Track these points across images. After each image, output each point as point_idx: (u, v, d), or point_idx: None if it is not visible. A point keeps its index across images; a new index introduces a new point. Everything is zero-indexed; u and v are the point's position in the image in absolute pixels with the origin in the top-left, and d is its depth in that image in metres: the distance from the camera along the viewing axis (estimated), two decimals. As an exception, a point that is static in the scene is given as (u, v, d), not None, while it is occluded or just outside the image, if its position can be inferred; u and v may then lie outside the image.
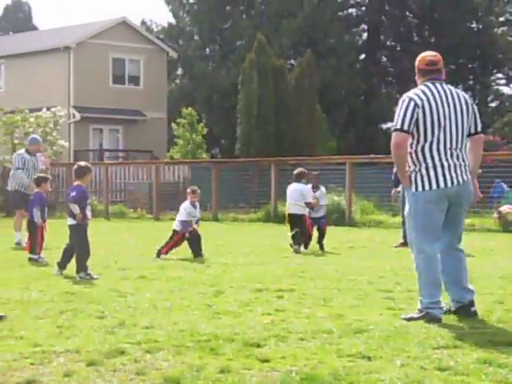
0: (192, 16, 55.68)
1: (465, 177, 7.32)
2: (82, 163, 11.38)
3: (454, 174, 7.26)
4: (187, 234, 13.19)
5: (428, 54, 7.64)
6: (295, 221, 14.44)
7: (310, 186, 14.89)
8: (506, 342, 6.21)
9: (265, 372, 5.25)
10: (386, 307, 7.97)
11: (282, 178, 25.77)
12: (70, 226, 10.91)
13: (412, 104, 7.26)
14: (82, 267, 10.49)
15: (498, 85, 63.55)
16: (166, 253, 13.03)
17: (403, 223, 16.10)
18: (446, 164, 7.25)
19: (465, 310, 7.36)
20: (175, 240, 13.24)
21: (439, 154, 7.25)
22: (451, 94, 7.42)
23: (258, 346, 6.02)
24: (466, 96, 7.57)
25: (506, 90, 64.07)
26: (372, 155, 28.92)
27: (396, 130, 7.31)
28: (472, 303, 7.40)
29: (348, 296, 8.73)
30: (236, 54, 51.22)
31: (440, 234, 7.43)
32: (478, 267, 11.50)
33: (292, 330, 6.61)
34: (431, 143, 7.25)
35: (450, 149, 7.28)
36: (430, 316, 7.11)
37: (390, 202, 21.82)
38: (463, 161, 7.35)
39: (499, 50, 56.75)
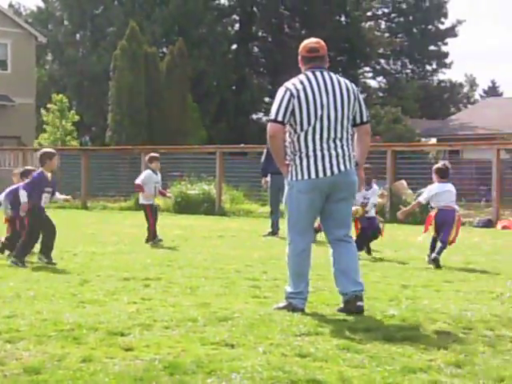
0: (61, 0, 54.61)
1: (342, 167, 7.09)
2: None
3: (328, 165, 7.06)
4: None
5: (310, 41, 7.46)
6: None
7: None
8: (364, 329, 6.40)
9: (128, 361, 5.24)
10: (252, 295, 8.07)
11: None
12: None
13: (288, 94, 7.10)
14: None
15: (366, 78, 65.16)
16: None
17: (271, 213, 16.37)
18: (319, 154, 7.06)
19: (350, 304, 7.09)
20: None
21: (314, 144, 7.07)
22: (331, 82, 7.21)
23: (122, 334, 6.00)
24: (350, 85, 7.32)
25: (372, 83, 65.79)
26: (242, 145, 29.20)
27: (271, 120, 7.17)
28: (359, 297, 7.13)
29: (215, 284, 8.79)
30: (107, 40, 50.58)
31: (311, 226, 7.33)
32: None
33: (157, 319, 6.61)
34: (306, 133, 7.07)
35: (328, 139, 7.08)
36: (291, 306, 7.07)
37: (259, 191, 22.09)
38: (342, 150, 7.13)
39: (366, 44, 58.09)
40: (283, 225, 15.59)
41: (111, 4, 53.13)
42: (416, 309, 7.40)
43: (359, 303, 7.12)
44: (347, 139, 7.21)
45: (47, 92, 44.11)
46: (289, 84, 7.23)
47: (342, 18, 59.52)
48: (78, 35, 55.65)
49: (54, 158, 10.93)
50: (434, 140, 46.23)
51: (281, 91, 7.19)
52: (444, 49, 65.77)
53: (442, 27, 64.33)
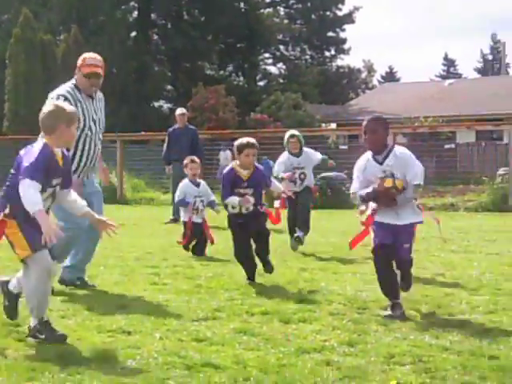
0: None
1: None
2: None
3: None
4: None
5: (90, 55, 7.92)
6: None
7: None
8: (261, 312, 6.48)
9: (21, 351, 5.18)
10: (151, 282, 8.07)
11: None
12: None
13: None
14: None
15: (266, 64, 65.49)
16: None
17: (173, 200, 16.35)
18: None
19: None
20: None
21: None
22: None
23: (17, 325, 5.93)
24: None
25: (273, 69, 66.15)
26: (142, 132, 29.03)
27: None
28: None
29: (114, 273, 8.77)
30: (2, 28, 49.47)
31: None
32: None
33: (53, 308, 6.52)
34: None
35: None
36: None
37: (162, 179, 22.02)
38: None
39: (266, 31, 58.34)
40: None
41: (5, -9, 51.96)
42: (313, 291, 7.53)
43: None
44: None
45: None
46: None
47: (241, 5, 59.61)
48: (-29, 23, 54.27)
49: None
50: (333, 125, 46.82)
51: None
52: (342, 35, 66.63)
53: (339, 14, 65.11)
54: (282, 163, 11.14)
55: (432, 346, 5.38)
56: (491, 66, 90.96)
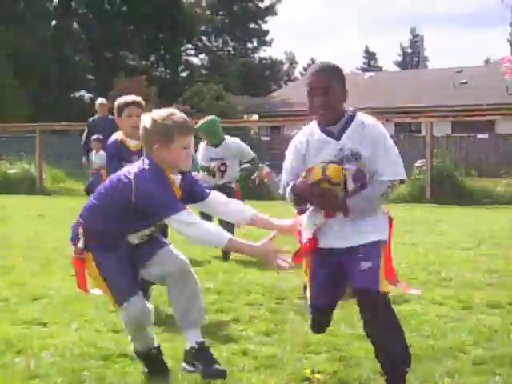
0: None
1: None
2: None
3: None
4: None
5: None
6: None
7: None
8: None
9: None
10: (70, 273, 7.96)
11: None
12: None
13: None
14: None
15: (188, 55, 65.31)
16: None
17: (92, 191, 16.14)
18: None
19: None
20: None
21: None
22: None
23: None
24: None
25: (195, 60, 66.07)
26: (63, 122, 28.66)
27: None
28: None
29: (32, 263, 8.66)
30: None
31: None
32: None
33: (-32, 301, 6.46)
34: None
35: None
36: None
37: (84, 169, 21.85)
38: None
39: (189, 21, 58.17)
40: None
41: None
42: (232, 281, 7.57)
43: None
44: None
45: None
46: None
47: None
48: None
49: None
50: (255, 116, 46.93)
51: None
52: (264, 27, 66.86)
53: (261, 5, 65.33)
54: (199, 154, 10.04)
55: (347, 334, 5.47)
56: (410, 59, 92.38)
